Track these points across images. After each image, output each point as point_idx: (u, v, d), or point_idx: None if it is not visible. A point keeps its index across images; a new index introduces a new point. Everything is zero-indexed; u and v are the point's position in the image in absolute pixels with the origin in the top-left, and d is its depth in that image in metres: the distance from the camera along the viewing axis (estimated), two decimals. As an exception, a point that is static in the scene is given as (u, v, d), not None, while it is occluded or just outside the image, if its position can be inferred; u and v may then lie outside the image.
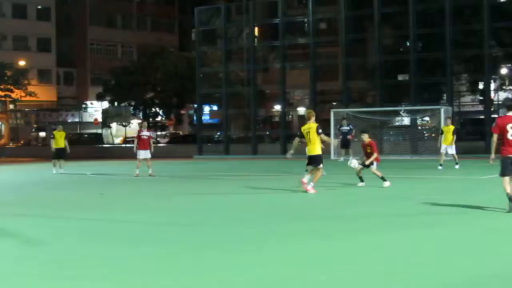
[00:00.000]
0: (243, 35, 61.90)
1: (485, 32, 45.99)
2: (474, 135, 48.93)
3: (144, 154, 30.29)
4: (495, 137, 15.22)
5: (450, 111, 43.97)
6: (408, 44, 50.24)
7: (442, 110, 42.45)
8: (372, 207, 17.20)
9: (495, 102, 52.42)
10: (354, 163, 21.98)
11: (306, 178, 20.55)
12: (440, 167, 30.42)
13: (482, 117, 50.55)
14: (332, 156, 42.00)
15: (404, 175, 27.66)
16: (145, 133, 30.96)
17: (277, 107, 63.78)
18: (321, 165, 20.58)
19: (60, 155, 34.87)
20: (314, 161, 20.63)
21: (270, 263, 10.21)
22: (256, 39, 59.04)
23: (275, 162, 42.77)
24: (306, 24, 56.45)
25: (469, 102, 59.02)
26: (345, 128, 39.91)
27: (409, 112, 48.54)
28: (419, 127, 50.65)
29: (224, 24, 55.91)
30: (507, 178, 14.85)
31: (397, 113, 49.70)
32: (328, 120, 45.84)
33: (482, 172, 26.77)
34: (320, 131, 20.41)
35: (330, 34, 58.63)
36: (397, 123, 51.54)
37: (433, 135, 46.78)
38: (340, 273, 9.47)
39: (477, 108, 59.63)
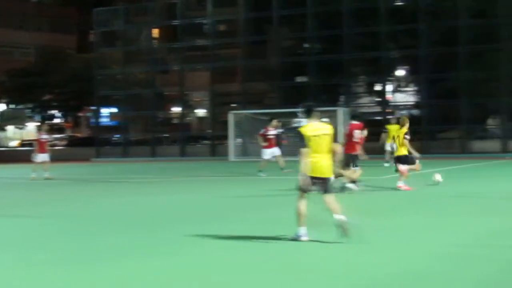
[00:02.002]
0: (142, 36, 61.44)
1: (383, 35, 46.69)
2: (371, 136, 49.34)
3: (42, 157, 30.07)
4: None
5: (348, 112, 44.53)
6: (307, 46, 50.61)
7: (341, 112, 42.96)
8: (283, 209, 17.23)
9: (391, 104, 53.30)
10: (438, 177, 21.47)
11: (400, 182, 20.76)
12: None
13: (379, 118, 51.19)
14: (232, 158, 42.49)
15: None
16: (44, 136, 30.72)
17: (176, 109, 63.42)
18: (405, 166, 20.85)
19: None
20: (399, 160, 21.15)
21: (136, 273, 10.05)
22: (155, 41, 58.62)
23: (173, 164, 42.63)
24: (205, 26, 56.37)
25: (367, 104, 59.74)
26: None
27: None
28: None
29: (123, 26, 55.25)
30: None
31: (296, 115, 49.92)
32: (226, 122, 45.84)
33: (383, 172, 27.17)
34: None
35: (230, 35, 58.57)
36: (295, 125, 51.79)
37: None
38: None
39: (374, 110, 60.40)
